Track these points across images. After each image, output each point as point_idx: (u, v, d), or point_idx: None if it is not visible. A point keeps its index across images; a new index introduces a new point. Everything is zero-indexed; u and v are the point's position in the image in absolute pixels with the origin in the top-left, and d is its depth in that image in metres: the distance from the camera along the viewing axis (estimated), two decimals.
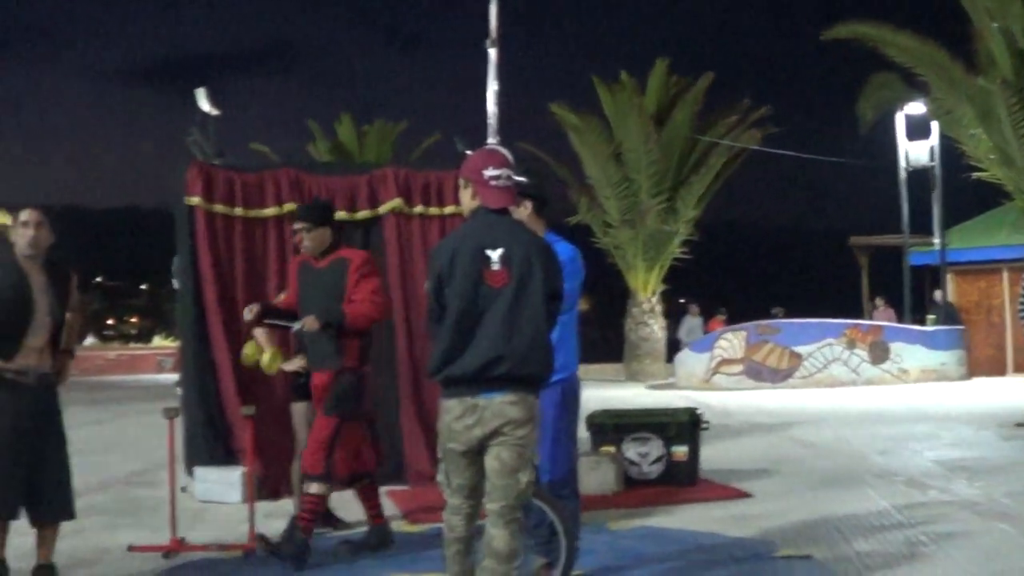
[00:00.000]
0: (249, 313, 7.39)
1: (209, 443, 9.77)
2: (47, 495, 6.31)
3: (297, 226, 7.43)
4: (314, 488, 7.11)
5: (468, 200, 5.13)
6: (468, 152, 5.44)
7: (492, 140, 12.74)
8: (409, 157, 36.86)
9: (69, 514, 6.48)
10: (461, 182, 5.18)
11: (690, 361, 24.98)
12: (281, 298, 8.17)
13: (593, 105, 29.83)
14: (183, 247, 10.09)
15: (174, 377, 15.67)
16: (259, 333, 8.30)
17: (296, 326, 7.33)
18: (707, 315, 31.37)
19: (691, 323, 30.52)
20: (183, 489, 8.90)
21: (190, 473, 9.63)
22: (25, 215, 6.33)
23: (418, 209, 10.64)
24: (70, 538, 7.08)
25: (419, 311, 10.12)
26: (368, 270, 7.23)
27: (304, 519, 7.07)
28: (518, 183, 5.33)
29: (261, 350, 8.02)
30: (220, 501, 9.22)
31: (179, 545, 7.38)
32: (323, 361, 7.25)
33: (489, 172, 5.03)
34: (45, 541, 6.40)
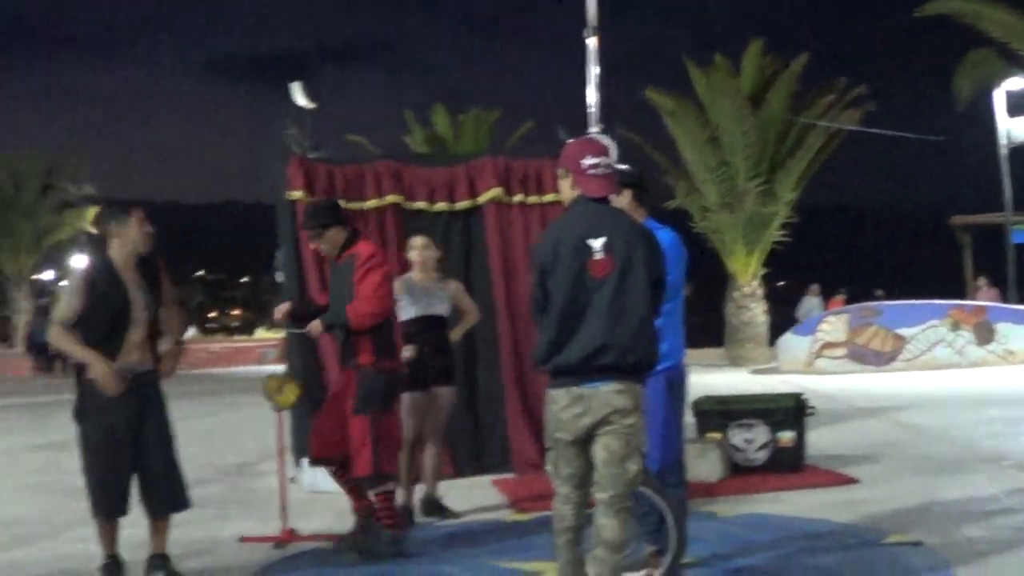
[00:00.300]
0: (278, 313, 7.49)
1: None
2: (158, 489, 6.43)
3: (307, 234, 7.41)
4: (378, 487, 7.07)
5: (568, 190, 5.12)
6: (570, 140, 5.42)
7: (594, 128, 12.69)
8: (504, 145, 36.88)
9: (182, 505, 6.59)
10: (560, 172, 5.15)
11: (793, 345, 24.68)
12: None
13: (688, 89, 29.60)
14: (286, 241, 10.20)
15: (277, 369, 15.88)
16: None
17: (303, 331, 7.40)
18: (827, 295, 30.98)
19: (811, 303, 30.04)
20: (292, 480, 9.02)
21: (298, 464, 9.75)
22: (140, 214, 6.48)
23: (518, 198, 10.67)
24: (183, 528, 7.22)
25: (521, 300, 10.13)
26: (373, 264, 7.06)
27: (384, 517, 7.07)
28: (618, 171, 5.31)
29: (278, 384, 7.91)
30: (328, 491, 9.32)
31: (290, 536, 7.49)
32: (342, 360, 7.30)
33: (587, 161, 5.01)
34: (158, 531, 6.52)
